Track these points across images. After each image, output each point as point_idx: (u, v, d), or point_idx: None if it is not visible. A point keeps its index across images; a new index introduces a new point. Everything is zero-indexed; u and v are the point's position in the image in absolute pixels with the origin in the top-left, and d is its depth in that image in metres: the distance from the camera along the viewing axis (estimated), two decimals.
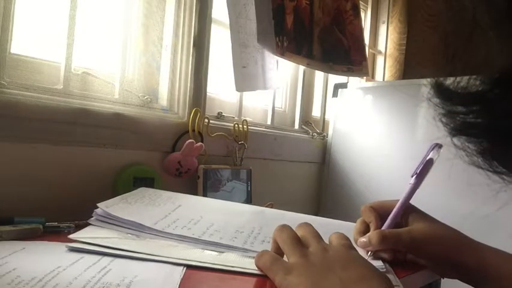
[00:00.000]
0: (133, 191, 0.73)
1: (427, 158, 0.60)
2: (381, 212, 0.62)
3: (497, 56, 0.23)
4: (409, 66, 1.64)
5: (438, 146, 0.60)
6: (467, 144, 0.25)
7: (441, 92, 0.26)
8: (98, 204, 0.60)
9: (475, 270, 0.54)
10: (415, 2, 1.67)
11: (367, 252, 0.59)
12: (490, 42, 0.23)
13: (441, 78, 0.27)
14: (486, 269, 0.53)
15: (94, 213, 0.60)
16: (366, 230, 0.62)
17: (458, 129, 0.26)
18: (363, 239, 0.59)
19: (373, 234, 0.58)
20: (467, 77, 0.25)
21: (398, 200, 0.61)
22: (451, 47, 0.26)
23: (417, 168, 0.61)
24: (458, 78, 0.25)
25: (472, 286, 0.56)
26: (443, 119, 0.26)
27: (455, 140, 0.26)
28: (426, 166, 0.60)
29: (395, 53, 1.69)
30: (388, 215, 0.61)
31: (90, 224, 0.59)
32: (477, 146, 0.25)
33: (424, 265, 0.59)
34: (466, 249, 0.56)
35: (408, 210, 0.61)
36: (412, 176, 0.61)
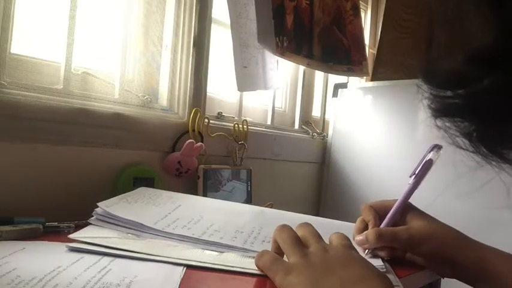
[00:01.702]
0: (134, 191, 0.73)
1: (427, 158, 0.60)
2: (380, 211, 0.62)
3: (476, 38, 0.23)
4: (379, 65, 1.62)
5: (438, 147, 0.60)
6: (448, 124, 0.26)
7: (425, 75, 0.27)
8: (98, 204, 0.60)
9: (473, 269, 0.54)
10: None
11: (365, 250, 0.59)
12: (471, 25, 0.24)
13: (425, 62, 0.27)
14: (484, 268, 0.54)
15: (94, 212, 0.60)
16: (365, 228, 0.62)
17: (440, 111, 0.26)
18: (360, 237, 0.59)
19: (370, 232, 0.58)
20: (449, 60, 0.25)
21: (397, 200, 0.62)
22: (435, 31, 0.27)
23: (416, 168, 0.61)
24: (440, 62, 0.26)
25: (471, 285, 0.56)
26: (428, 102, 0.27)
27: (438, 121, 0.27)
28: (425, 166, 0.60)
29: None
30: (387, 214, 0.61)
31: (90, 224, 0.59)
32: (461, 129, 0.26)
33: (423, 265, 0.59)
34: (464, 248, 0.56)
35: (407, 209, 0.61)
36: (410, 176, 0.61)
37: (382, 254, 0.59)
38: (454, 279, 0.58)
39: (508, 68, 0.22)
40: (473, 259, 0.54)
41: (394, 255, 0.60)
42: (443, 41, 0.26)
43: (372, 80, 1.53)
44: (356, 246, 0.51)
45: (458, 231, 0.58)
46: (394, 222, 0.60)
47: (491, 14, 0.23)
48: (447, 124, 0.26)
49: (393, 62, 1.52)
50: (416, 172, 0.61)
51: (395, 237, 0.57)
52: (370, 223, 0.61)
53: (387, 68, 1.52)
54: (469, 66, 0.24)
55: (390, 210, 0.61)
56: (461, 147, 0.26)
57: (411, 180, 0.61)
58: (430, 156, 0.60)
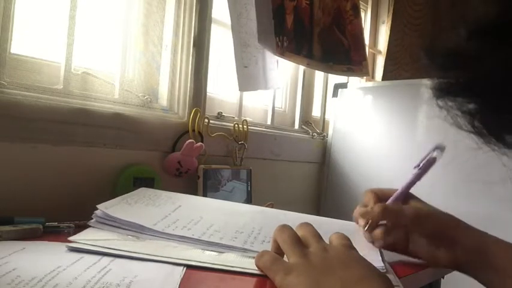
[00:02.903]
0: (133, 192, 0.73)
1: (432, 156, 0.61)
2: (382, 197, 0.63)
3: (479, 11, 0.23)
4: (389, 63, 1.63)
5: (441, 147, 0.61)
6: (450, 104, 0.26)
7: (428, 53, 0.27)
8: (98, 206, 0.60)
9: (473, 252, 0.55)
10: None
11: (364, 226, 0.59)
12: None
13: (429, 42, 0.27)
14: (484, 250, 0.54)
15: (94, 214, 0.59)
16: None
17: (443, 91, 0.26)
18: (365, 208, 0.60)
19: (376, 205, 0.59)
20: (451, 35, 0.25)
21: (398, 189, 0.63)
22: (441, 8, 0.27)
23: (420, 161, 0.62)
24: (443, 37, 0.26)
25: (470, 274, 0.55)
26: (430, 82, 0.26)
27: (439, 101, 0.26)
28: (429, 162, 0.61)
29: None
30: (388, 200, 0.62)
31: (89, 226, 0.58)
32: (463, 109, 0.25)
33: (424, 264, 0.59)
34: (466, 229, 0.57)
35: (408, 197, 0.62)
36: (414, 168, 0.62)
37: (379, 232, 0.59)
38: (454, 280, 0.57)
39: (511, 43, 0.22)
40: (475, 242, 0.55)
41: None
42: (446, 14, 0.26)
43: (383, 79, 1.53)
44: (356, 244, 0.51)
45: (459, 219, 0.59)
46: None
47: None
48: (449, 104, 0.26)
49: (404, 58, 1.52)
50: (421, 165, 0.61)
51: (401, 212, 0.57)
52: (371, 203, 0.62)
53: (398, 65, 1.52)
54: (472, 41, 0.24)
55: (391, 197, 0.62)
56: (462, 128, 0.26)
57: (414, 171, 0.62)
58: (435, 154, 0.61)
